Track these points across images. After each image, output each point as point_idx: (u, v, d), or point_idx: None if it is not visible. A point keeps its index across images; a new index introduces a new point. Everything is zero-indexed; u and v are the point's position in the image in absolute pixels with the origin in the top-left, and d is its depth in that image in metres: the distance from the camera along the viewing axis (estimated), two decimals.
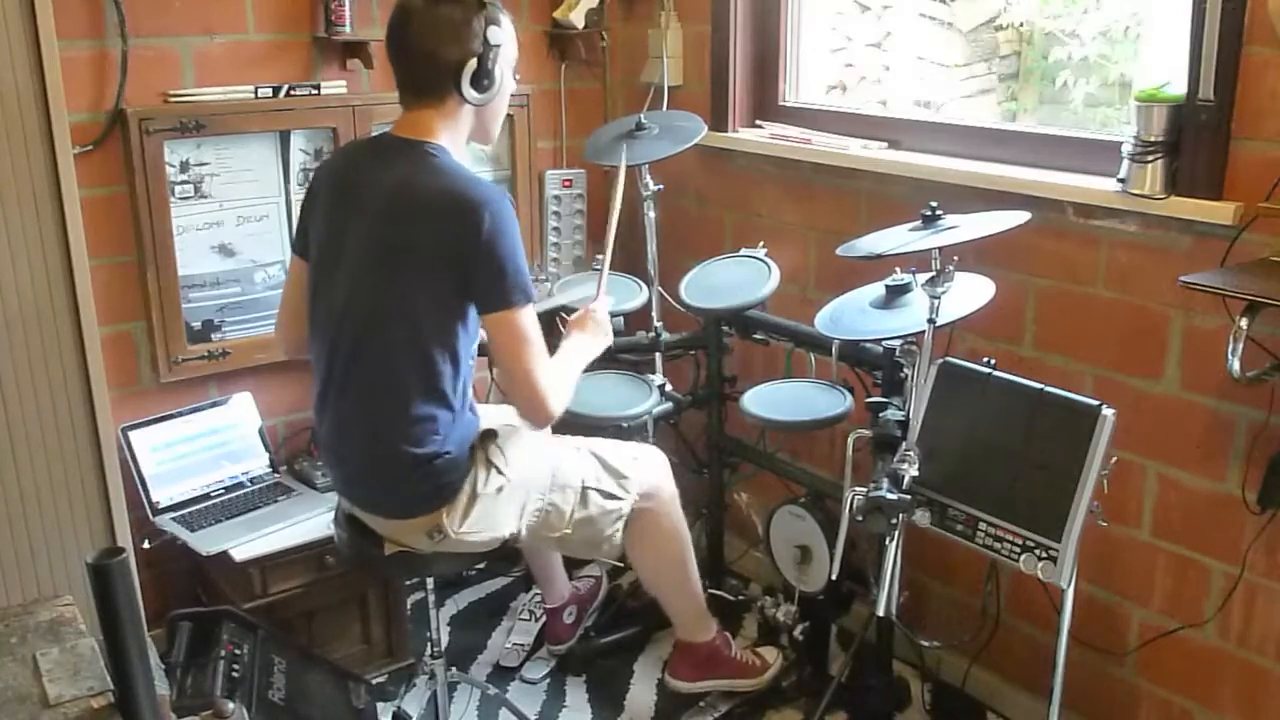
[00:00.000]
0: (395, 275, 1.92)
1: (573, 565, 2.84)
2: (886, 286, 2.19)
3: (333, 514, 2.24)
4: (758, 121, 2.94)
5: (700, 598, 2.50)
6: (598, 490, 2.21)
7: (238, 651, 2.06)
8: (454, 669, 2.42)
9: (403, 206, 1.91)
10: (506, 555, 2.24)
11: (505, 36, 1.94)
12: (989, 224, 2.00)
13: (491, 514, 2.07)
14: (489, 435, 2.08)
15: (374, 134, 2.27)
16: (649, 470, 2.31)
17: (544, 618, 2.79)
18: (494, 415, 2.19)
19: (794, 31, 2.91)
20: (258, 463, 2.75)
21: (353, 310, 1.98)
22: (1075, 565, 1.83)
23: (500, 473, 2.07)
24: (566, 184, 3.21)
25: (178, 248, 2.60)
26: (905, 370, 2.19)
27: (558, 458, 2.20)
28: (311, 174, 2.69)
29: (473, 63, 1.90)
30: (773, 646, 2.65)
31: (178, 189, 2.59)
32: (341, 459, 2.10)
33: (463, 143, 2.02)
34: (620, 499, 2.24)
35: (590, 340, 2.20)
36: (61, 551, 2.23)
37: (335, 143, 2.75)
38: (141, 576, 2.35)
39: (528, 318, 1.92)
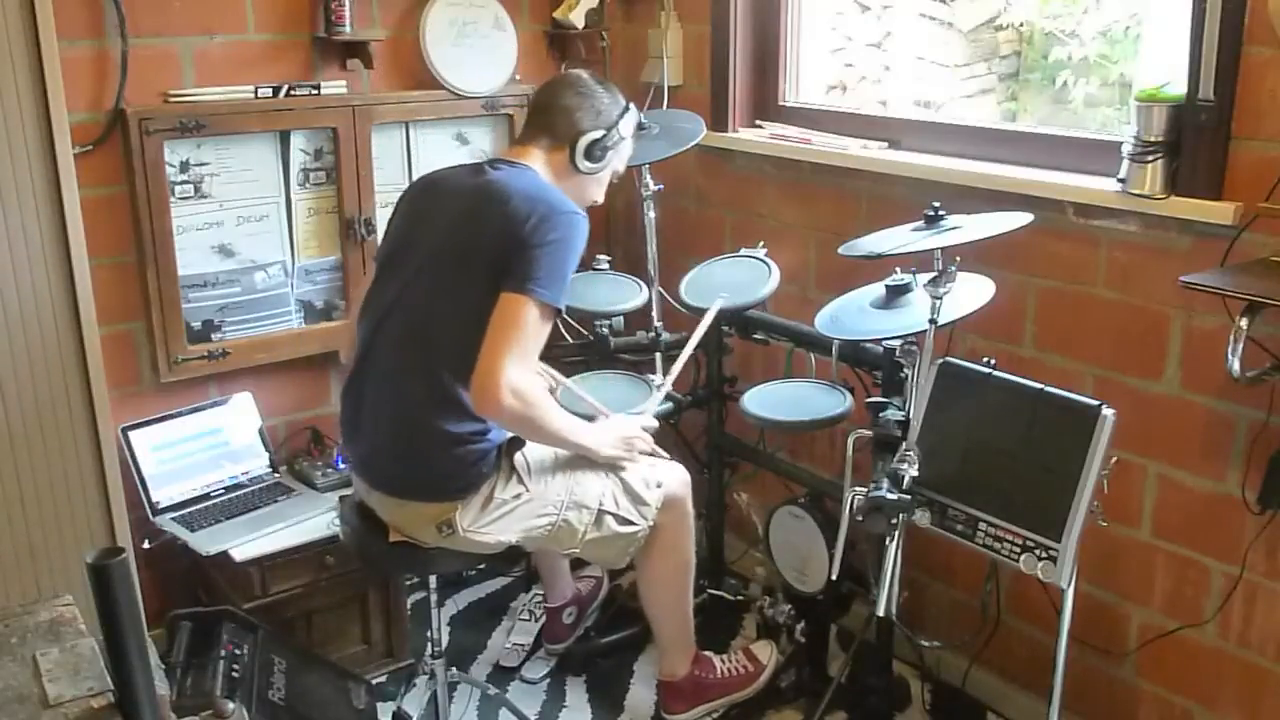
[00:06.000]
0: (455, 272, 1.98)
1: (574, 564, 2.83)
2: (886, 286, 2.18)
3: (333, 514, 2.24)
4: (758, 121, 2.94)
5: (689, 626, 2.48)
6: (614, 515, 2.20)
7: (238, 651, 2.06)
8: (454, 669, 2.41)
9: (478, 204, 2.01)
10: (507, 556, 2.24)
11: (628, 133, 2.20)
12: (992, 225, 2.00)
13: (503, 520, 2.08)
14: (516, 443, 2.08)
15: None
16: (670, 489, 2.28)
17: (544, 617, 2.79)
18: None
19: (794, 31, 2.91)
20: (258, 463, 2.75)
21: (405, 299, 2.04)
22: (1075, 565, 1.83)
23: (521, 482, 2.07)
24: None
25: (178, 248, 2.59)
26: (905, 370, 2.19)
27: (580, 475, 2.18)
28: (328, 174, 2.77)
29: (596, 134, 2.12)
30: (766, 642, 2.65)
31: (178, 189, 2.59)
32: (366, 434, 2.10)
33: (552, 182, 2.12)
34: (636, 525, 2.23)
35: (595, 433, 2.20)
36: (61, 551, 2.23)
37: (335, 142, 2.75)
38: (141, 576, 2.36)
39: (532, 314, 1.94)
